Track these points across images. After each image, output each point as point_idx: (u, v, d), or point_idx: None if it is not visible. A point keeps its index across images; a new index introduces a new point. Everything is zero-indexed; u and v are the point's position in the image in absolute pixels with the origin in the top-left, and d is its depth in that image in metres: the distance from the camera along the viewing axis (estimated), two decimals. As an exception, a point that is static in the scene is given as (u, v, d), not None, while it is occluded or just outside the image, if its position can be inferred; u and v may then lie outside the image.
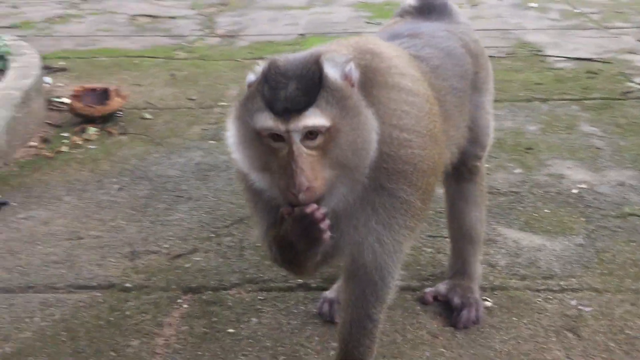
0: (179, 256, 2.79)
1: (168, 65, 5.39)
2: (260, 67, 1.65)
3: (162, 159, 3.68)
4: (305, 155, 1.56)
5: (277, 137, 1.58)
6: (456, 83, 2.13)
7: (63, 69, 5.27)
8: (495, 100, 4.36)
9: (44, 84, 4.63)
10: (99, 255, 2.80)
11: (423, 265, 2.73)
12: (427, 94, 1.87)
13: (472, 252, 2.52)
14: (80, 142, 3.92)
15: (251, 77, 1.66)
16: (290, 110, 1.55)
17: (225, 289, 2.58)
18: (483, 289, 2.58)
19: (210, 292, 2.56)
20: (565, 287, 2.60)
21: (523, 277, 2.66)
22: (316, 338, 2.32)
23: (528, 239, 2.92)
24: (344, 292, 1.98)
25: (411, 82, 1.82)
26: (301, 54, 1.69)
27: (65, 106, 4.34)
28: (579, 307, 2.49)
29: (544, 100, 4.50)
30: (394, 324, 2.40)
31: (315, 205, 1.59)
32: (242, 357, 2.23)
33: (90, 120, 4.15)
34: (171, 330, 2.36)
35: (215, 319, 2.42)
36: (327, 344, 2.30)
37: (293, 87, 1.55)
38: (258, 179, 1.68)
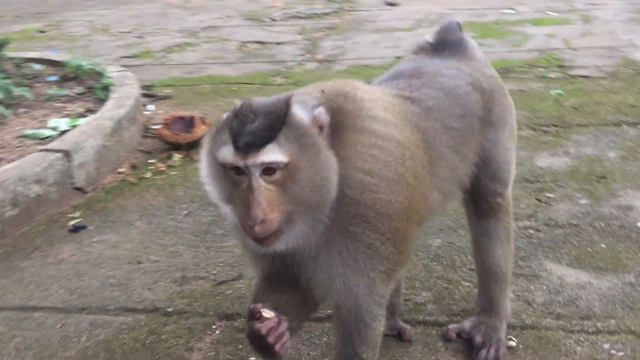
0: (222, 282, 2.93)
1: (263, 91, 5.60)
2: (236, 105, 1.75)
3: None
4: (263, 189, 1.64)
5: (238, 170, 1.67)
6: (454, 123, 2.13)
7: (167, 97, 5.64)
8: (579, 125, 4.25)
9: (145, 112, 4.98)
10: (153, 279, 3.00)
11: (456, 300, 2.71)
12: (401, 138, 1.89)
13: (498, 289, 2.48)
14: (163, 169, 4.18)
15: (226, 114, 1.76)
16: (250, 145, 1.63)
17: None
18: (512, 327, 2.53)
19: (242, 319, 2.67)
20: (602, 328, 2.49)
21: (558, 317, 2.58)
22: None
23: (574, 276, 2.82)
24: (333, 330, 2.03)
25: (382, 126, 1.85)
26: (277, 96, 1.77)
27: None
28: (611, 351, 2.38)
29: (634, 125, 4.28)
30: (411, 358, 2.41)
31: (272, 325, 1.68)
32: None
33: (177, 147, 4.42)
34: (199, 356, 2.49)
35: (241, 346, 2.52)
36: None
37: (257, 123, 1.65)
38: (226, 211, 1.77)
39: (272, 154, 1.63)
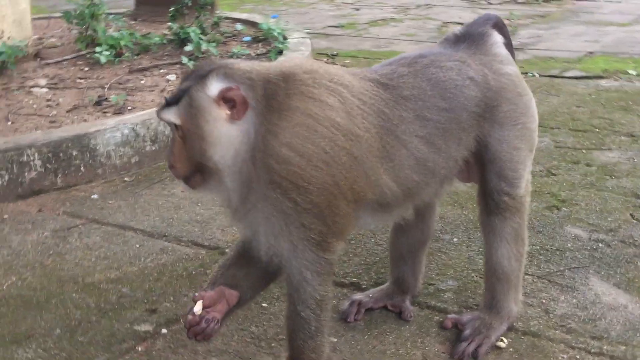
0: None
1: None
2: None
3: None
4: (175, 141, 2.00)
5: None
6: (431, 114, 2.17)
7: (343, 66, 5.96)
8: None
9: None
10: (229, 223, 3.36)
11: (478, 294, 2.71)
12: (340, 120, 2.00)
13: (500, 289, 2.47)
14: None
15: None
16: (166, 103, 1.98)
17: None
18: (515, 330, 2.51)
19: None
20: (606, 352, 2.38)
21: (569, 331, 2.50)
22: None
23: (613, 296, 2.68)
24: None
25: (318, 108, 1.98)
26: (220, 63, 2.02)
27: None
28: (599, 375, 2.29)
29: None
30: (398, 336, 2.51)
31: (194, 323, 2.05)
32: (253, 327, 2.57)
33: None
34: (228, 293, 2.80)
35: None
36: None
37: (182, 86, 1.98)
38: None
39: (168, 115, 1.97)
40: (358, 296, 2.67)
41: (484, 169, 2.36)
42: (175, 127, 1.99)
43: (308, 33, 7.03)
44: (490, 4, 8.44)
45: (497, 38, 2.40)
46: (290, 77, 2.00)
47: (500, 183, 2.34)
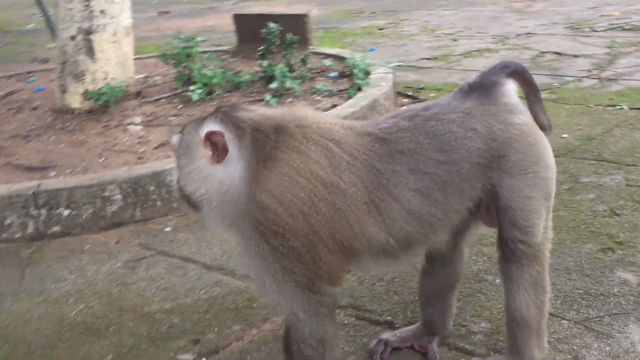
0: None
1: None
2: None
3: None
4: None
5: None
6: (427, 168, 2.23)
7: (414, 97, 6.01)
8: None
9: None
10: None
11: (508, 337, 2.72)
12: (323, 174, 2.11)
13: (520, 334, 2.47)
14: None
15: None
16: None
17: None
18: (540, 377, 2.50)
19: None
20: (628, 404, 2.34)
21: (595, 380, 2.46)
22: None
23: (650, 346, 2.60)
24: None
25: (303, 161, 2.10)
26: (222, 110, 2.23)
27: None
28: None
29: None
30: (420, 377, 2.57)
31: None
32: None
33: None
34: (269, 326, 2.96)
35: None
36: (350, 373, 2.62)
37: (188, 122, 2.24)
38: None
39: (173, 140, 2.23)
40: (386, 335, 2.74)
41: (498, 216, 2.39)
42: None
43: (400, 66, 7.15)
44: (595, 31, 8.21)
45: (508, 87, 2.42)
46: (281, 130, 2.14)
47: (514, 231, 2.36)
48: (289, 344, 2.34)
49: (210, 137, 2.10)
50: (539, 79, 6.19)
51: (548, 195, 2.41)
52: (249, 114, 2.18)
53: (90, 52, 5.61)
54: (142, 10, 14.07)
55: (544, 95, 5.69)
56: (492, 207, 2.42)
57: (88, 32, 5.58)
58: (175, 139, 2.22)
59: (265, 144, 2.12)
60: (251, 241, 2.13)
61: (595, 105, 5.46)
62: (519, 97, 2.48)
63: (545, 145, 2.41)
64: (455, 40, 8.51)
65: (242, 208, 2.11)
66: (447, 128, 2.28)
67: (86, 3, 5.55)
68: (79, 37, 5.58)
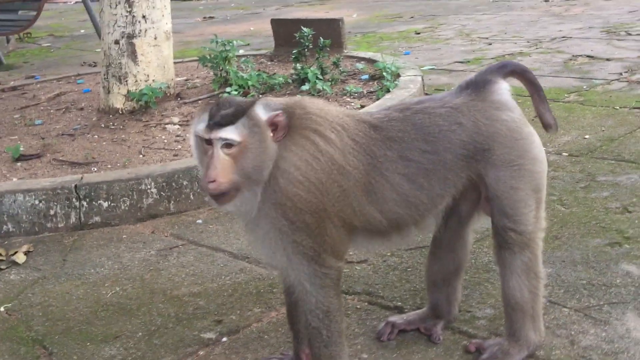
0: (350, 262, 3.52)
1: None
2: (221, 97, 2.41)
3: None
4: (220, 158, 2.25)
5: (208, 141, 2.29)
6: (413, 155, 2.44)
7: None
8: None
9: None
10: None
11: (510, 323, 2.87)
12: (336, 156, 2.33)
13: (516, 318, 2.63)
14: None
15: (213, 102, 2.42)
16: (217, 124, 2.25)
17: (347, 293, 3.24)
18: (535, 357, 2.65)
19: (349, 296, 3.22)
20: (617, 384, 2.48)
21: (588, 362, 2.61)
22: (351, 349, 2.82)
23: (645, 333, 2.73)
24: None
25: (323, 142, 2.32)
26: (252, 98, 2.38)
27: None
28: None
29: None
30: (423, 356, 2.73)
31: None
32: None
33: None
34: (275, 314, 3.16)
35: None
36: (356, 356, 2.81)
37: (227, 111, 2.26)
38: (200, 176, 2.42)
39: (230, 134, 2.24)
40: (393, 318, 2.92)
41: (490, 206, 2.56)
42: (226, 145, 2.25)
43: (432, 69, 7.31)
44: (630, 35, 8.23)
45: (500, 86, 2.59)
46: (306, 113, 2.37)
47: (503, 219, 2.54)
48: (295, 318, 2.60)
49: (274, 119, 2.29)
50: (568, 82, 6.35)
51: (536, 187, 2.56)
52: (280, 100, 2.40)
53: (133, 55, 5.91)
54: (187, 15, 14.49)
55: (571, 97, 5.88)
56: (487, 198, 2.60)
57: (131, 36, 5.88)
58: (226, 131, 2.23)
59: (296, 125, 2.34)
60: (268, 218, 2.33)
61: (621, 107, 5.54)
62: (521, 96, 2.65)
63: (532, 142, 2.57)
64: (489, 44, 8.61)
65: (272, 182, 2.30)
66: (432, 121, 2.49)
67: (129, 9, 5.85)
68: (123, 41, 5.88)
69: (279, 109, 2.33)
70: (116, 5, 5.87)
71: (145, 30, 5.93)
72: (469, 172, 2.52)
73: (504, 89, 2.61)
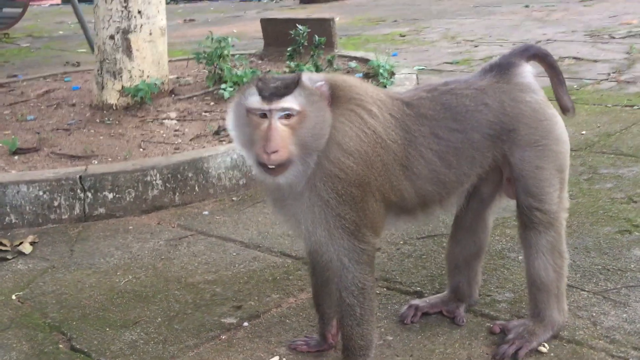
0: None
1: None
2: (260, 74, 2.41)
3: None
4: (279, 129, 2.25)
5: (262, 115, 2.28)
6: (443, 133, 2.49)
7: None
8: None
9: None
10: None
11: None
12: (379, 129, 2.37)
13: (541, 298, 2.67)
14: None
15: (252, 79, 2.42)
16: (274, 95, 2.24)
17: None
18: (560, 338, 2.69)
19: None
20: (643, 361, 2.52)
21: (612, 341, 2.64)
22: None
23: (665, 313, 2.79)
24: None
25: (367, 115, 2.36)
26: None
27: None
28: (635, 381, 2.43)
29: None
30: (448, 338, 2.76)
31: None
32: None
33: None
34: (304, 295, 3.17)
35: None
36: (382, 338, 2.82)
37: (278, 83, 2.27)
38: (246, 154, 2.39)
39: (290, 103, 2.25)
40: (416, 301, 2.95)
41: (515, 186, 2.61)
42: (285, 116, 2.24)
43: (422, 70, 7.37)
44: (613, 38, 8.39)
45: (524, 68, 2.64)
46: (349, 88, 2.41)
47: (528, 199, 2.58)
48: (321, 299, 2.63)
49: (322, 88, 2.31)
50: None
51: (560, 167, 2.61)
52: (317, 74, 2.42)
53: (128, 50, 5.87)
54: (168, 18, 14.39)
55: (563, 96, 5.94)
56: (512, 179, 2.64)
57: (126, 31, 5.85)
58: (285, 101, 2.23)
59: (340, 98, 2.36)
60: (314, 190, 2.34)
61: (614, 106, 5.64)
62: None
63: (556, 122, 2.62)
64: (476, 46, 8.71)
65: (326, 154, 2.31)
66: (460, 101, 2.54)
67: (125, 4, 5.83)
68: (118, 37, 5.85)
69: (321, 80, 2.35)
70: (112, 1, 5.83)
71: (141, 26, 5.90)
72: (495, 152, 2.57)
73: (528, 71, 2.66)
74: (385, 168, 2.41)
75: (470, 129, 2.53)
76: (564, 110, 2.81)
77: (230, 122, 2.41)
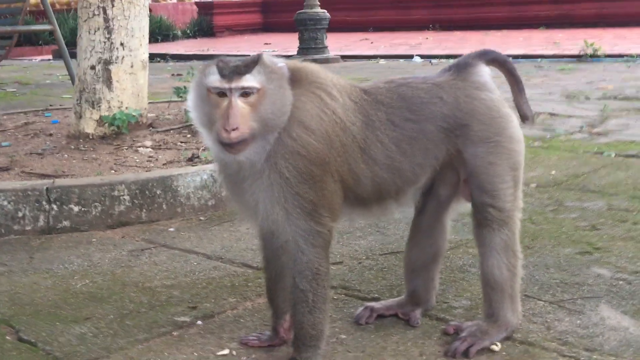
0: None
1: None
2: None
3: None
4: (239, 107, 2.28)
5: (221, 93, 2.30)
6: (398, 121, 2.54)
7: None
8: None
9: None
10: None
11: (487, 311, 2.89)
12: (339, 111, 2.42)
13: (494, 297, 2.66)
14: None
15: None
16: (233, 73, 2.28)
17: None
18: (512, 339, 2.67)
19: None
20: (594, 360, 2.50)
21: (565, 343, 2.63)
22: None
23: (617, 320, 2.78)
24: None
25: (328, 97, 2.41)
26: None
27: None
28: (584, 379, 2.40)
29: None
30: (401, 337, 2.73)
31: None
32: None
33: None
34: (262, 300, 3.13)
35: (293, 301, 3.10)
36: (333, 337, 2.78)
37: (238, 62, 2.31)
38: (205, 134, 2.39)
39: (249, 82, 2.29)
40: (372, 303, 2.92)
41: (469, 184, 2.63)
42: (244, 94, 2.27)
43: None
44: (588, 99, 8.58)
45: (481, 68, 2.70)
46: (310, 72, 2.47)
47: (482, 195, 2.61)
48: (275, 293, 2.63)
49: (281, 69, 2.36)
50: (532, 132, 6.55)
51: (514, 165, 2.65)
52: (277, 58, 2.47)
53: (108, 81, 5.93)
54: (157, 73, 14.56)
55: (535, 144, 6.05)
56: (467, 179, 2.67)
57: (107, 62, 5.92)
58: (245, 79, 2.26)
59: (302, 80, 2.42)
60: (274, 167, 2.35)
61: (584, 152, 5.73)
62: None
63: (510, 121, 2.67)
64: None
65: (287, 131, 2.35)
66: (415, 93, 2.60)
67: (108, 35, 5.92)
68: (99, 67, 5.92)
69: (281, 62, 2.39)
70: (95, 31, 5.93)
71: (123, 58, 5.98)
72: (449, 146, 2.60)
73: (485, 71, 2.72)
74: (344, 149, 2.44)
75: (425, 120, 2.57)
76: (523, 118, 2.86)
77: (190, 103, 2.44)
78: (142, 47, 6.16)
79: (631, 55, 12.64)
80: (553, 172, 5.12)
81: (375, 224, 4.06)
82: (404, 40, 17.50)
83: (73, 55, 10.78)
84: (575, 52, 13.23)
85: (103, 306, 3.12)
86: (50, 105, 9.60)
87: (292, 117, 2.36)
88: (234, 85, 2.28)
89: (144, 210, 4.30)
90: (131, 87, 6.04)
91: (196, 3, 24.56)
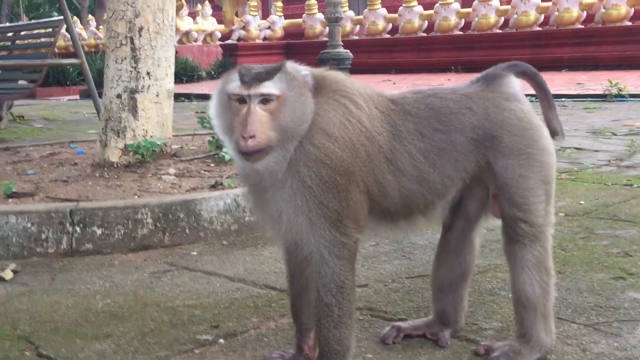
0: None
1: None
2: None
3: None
4: (258, 114, 2.24)
5: (241, 100, 2.27)
6: (426, 131, 2.48)
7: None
8: None
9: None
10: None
11: (518, 333, 2.79)
12: (365, 120, 2.37)
13: (527, 316, 2.57)
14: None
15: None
16: (253, 80, 2.25)
17: (349, 309, 3.14)
18: (546, 360, 2.57)
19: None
20: (633, 382, 2.39)
21: (602, 365, 2.52)
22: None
23: (657, 342, 2.67)
24: None
25: (353, 106, 2.36)
26: None
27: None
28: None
29: None
30: (430, 357, 2.63)
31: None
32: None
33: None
34: (285, 320, 3.06)
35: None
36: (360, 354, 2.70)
37: (260, 69, 2.28)
38: (227, 142, 2.36)
39: (269, 88, 2.25)
40: (399, 323, 2.83)
41: (499, 198, 2.56)
42: (263, 101, 2.24)
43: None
44: (615, 135, 8.49)
45: (510, 79, 2.65)
46: (335, 80, 2.43)
47: (513, 209, 2.52)
48: (299, 310, 2.56)
49: (305, 77, 2.33)
50: (559, 165, 6.45)
51: (546, 178, 2.57)
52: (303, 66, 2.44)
53: (134, 110, 5.97)
54: (181, 112, 14.72)
55: (562, 176, 5.96)
56: (497, 194, 2.59)
57: (134, 91, 5.96)
58: (265, 86, 2.23)
59: (325, 88, 2.38)
60: (297, 176, 2.30)
61: (613, 184, 5.62)
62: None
63: (541, 133, 2.60)
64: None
65: (309, 139, 2.30)
66: (444, 104, 2.55)
67: (134, 65, 5.97)
68: (125, 96, 5.96)
69: (306, 70, 2.36)
70: (122, 61, 5.98)
71: (149, 87, 6.02)
72: (478, 158, 2.54)
73: (514, 82, 2.67)
74: (369, 159, 2.38)
75: (454, 131, 2.52)
76: (553, 133, 2.79)
77: (212, 110, 2.41)
78: (168, 77, 6.21)
79: (657, 95, 12.55)
80: (582, 202, 5.02)
81: (401, 248, 3.99)
82: (426, 82, 17.51)
83: (99, 94, 10.97)
84: (599, 92, 13.16)
85: (124, 324, 3.06)
86: (75, 139, 9.71)
87: (314, 125, 2.31)
88: (252, 91, 2.25)
89: (167, 233, 4.26)
90: (156, 116, 6.07)
91: (221, 45, 24.94)
